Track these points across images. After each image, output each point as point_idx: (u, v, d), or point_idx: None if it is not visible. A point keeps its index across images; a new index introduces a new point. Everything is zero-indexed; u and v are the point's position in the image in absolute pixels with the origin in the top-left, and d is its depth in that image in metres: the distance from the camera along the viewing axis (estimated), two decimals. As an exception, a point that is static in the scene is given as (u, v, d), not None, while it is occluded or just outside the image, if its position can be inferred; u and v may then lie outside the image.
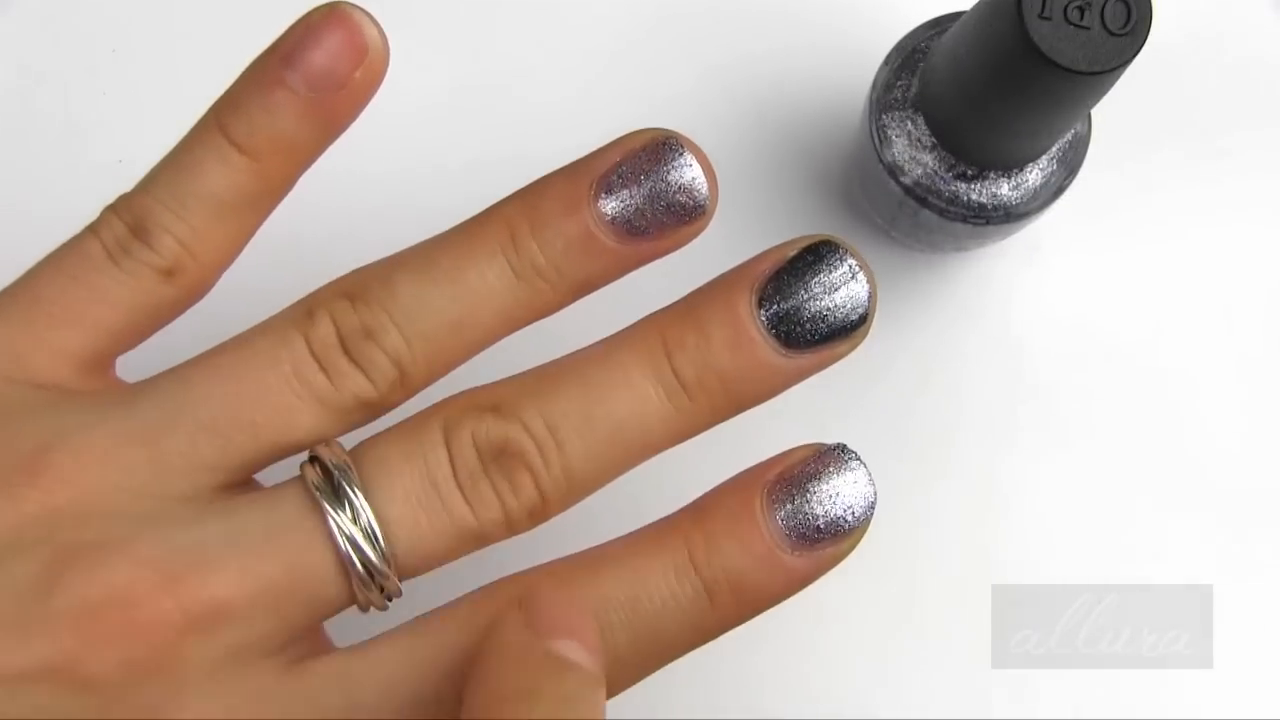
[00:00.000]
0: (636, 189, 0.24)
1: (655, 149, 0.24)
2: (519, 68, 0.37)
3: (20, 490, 0.22)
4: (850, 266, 0.24)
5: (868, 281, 0.24)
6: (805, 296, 0.24)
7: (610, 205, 0.24)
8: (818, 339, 0.24)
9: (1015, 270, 0.36)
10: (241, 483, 0.24)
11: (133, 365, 0.25)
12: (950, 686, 0.34)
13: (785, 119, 0.36)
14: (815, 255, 0.24)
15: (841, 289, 0.24)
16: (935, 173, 0.30)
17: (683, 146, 0.24)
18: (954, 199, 0.30)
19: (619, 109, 0.36)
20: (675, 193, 0.24)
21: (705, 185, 0.24)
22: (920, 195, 0.31)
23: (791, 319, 0.24)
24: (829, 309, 0.24)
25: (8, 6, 0.37)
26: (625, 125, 0.37)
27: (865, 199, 0.35)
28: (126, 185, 0.25)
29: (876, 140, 0.31)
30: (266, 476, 0.24)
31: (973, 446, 0.35)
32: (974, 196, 0.30)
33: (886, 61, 0.31)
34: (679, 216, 0.24)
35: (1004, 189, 0.30)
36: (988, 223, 0.31)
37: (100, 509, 0.22)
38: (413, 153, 0.36)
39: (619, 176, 0.24)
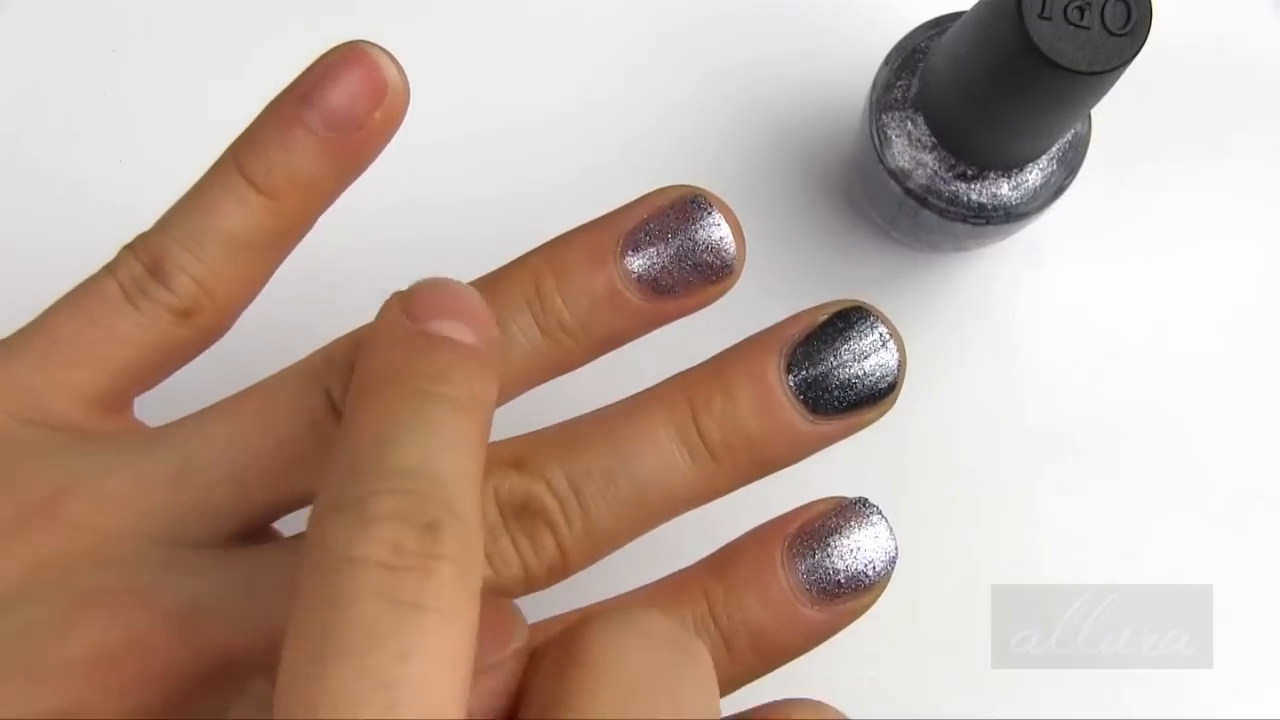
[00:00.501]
0: (664, 247, 0.23)
1: (683, 207, 0.23)
2: (517, 75, 0.37)
3: (35, 535, 0.21)
4: (880, 334, 0.23)
5: (897, 350, 0.23)
6: (834, 363, 0.23)
7: (637, 263, 0.23)
8: (845, 406, 0.23)
9: (1015, 271, 0.36)
10: (258, 530, 0.23)
11: (150, 405, 0.25)
12: (950, 686, 0.34)
13: (786, 120, 0.36)
14: (845, 321, 0.23)
15: (871, 357, 0.23)
16: (935, 173, 0.30)
17: (711, 205, 0.23)
18: (954, 199, 0.30)
19: (620, 115, 0.36)
20: (702, 252, 0.23)
21: (733, 244, 0.24)
22: (920, 195, 0.31)
23: (820, 385, 0.23)
24: (858, 376, 0.23)
25: (7, 6, 0.37)
26: (626, 132, 0.37)
27: (865, 199, 0.35)
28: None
29: (877, 140, 0.31)
30: (283, 524, 0.24)
31: (973, 446, 0.35)
32: (974, 196, 0.30)
33: (886, 62, 0.31)
34: (706, 275, 0.23)
35: (1004, 189, 0.30)
36: (988, 223, 0.31)
37: (116, 555, 0.22)
38: (415, 171, 0.36)
39: (646, 234, 0.23)
